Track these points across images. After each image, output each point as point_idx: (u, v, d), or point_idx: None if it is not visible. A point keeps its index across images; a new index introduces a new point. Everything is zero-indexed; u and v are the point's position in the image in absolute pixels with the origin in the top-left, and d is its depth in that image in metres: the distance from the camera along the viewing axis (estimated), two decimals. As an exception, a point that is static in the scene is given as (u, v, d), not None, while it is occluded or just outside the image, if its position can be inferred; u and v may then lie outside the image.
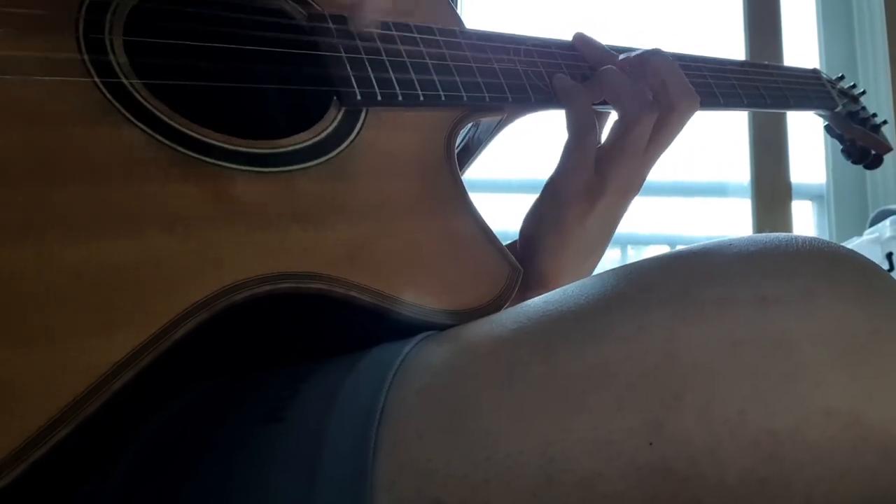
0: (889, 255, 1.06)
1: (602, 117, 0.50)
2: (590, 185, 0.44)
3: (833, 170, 1.44)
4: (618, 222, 0.48)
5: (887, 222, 1.09)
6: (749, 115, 1.39)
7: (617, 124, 0.46)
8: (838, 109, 0.68)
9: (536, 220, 0.46)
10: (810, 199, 1.49)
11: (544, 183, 0.46)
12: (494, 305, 0.36)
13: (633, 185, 0.47)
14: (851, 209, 1.42)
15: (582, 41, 0.51)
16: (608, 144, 0.45)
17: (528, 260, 0.45)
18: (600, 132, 0.47)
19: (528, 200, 0.47)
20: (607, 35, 0.53)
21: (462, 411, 0.27)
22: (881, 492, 0.24)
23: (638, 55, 0.49)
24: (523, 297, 0.37)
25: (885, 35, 1.40)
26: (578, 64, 0.49)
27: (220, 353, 0.33)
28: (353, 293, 0.33)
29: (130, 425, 0.31)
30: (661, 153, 0.48)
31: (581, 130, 0.44)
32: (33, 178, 0.29)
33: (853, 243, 1.15)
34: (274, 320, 0.34)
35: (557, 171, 0.45)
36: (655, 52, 0.49)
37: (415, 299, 0.34)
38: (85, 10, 0.34)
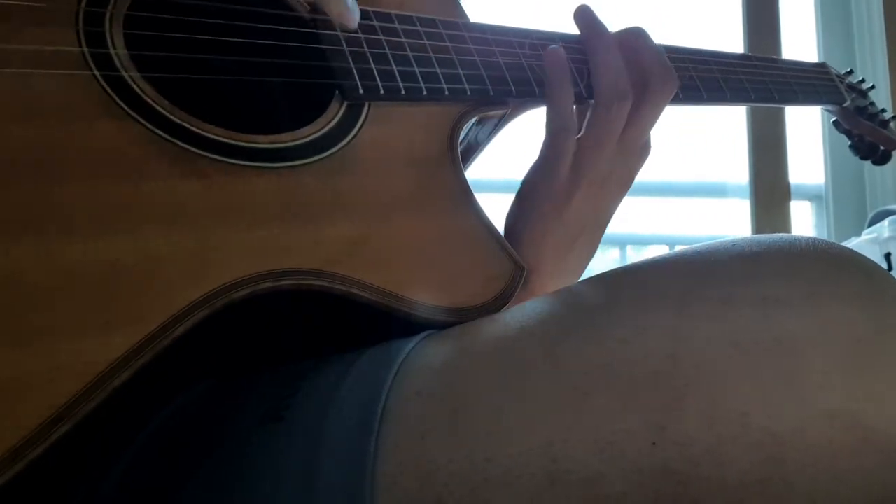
0: (887, 256, 1.06)
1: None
2: (565, 181, 0.43)
3: (832, 170, 1.44)
4: (605, 214, 0.47)
5: (886, 223, 1.09)
6: (748, 115, 1.39)
7: (590, 113, 0.44)
8: (847, 104, 0.66)
9: (516, 215, 0.45)
10: (809, 200, 1.49)
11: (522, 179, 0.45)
12: (497, 303, 0.36)
13: (613, 175, 0.45)
14: (850, 209, 1.42)
15: (583, 15, 0.48)
16: (583, 135, 0.44)
17: None
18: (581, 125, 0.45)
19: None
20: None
21: (463, 412, 0.27)
22: (882, 493, 0.24)
23: (615, 36, 0.47)
24: None
25: (883, 35, 1.40)
26: (585, 58, 0.49)
27: (221, 351, 0.33)
28: (353, 290, 0.32)
29: (131, 424, 0.31)
30: (639, 140, 0.46)
31: (560, 133, 0.43)
32: (31, 174, 0.28)
33: (851, 243, 1.15)
34: (274, 318, 0.33)
35: (534, 168, 0.44)
36: (633, 33, 0.47)
37: (416, 296, 0.34)
38: (85, 3, 0.34)
